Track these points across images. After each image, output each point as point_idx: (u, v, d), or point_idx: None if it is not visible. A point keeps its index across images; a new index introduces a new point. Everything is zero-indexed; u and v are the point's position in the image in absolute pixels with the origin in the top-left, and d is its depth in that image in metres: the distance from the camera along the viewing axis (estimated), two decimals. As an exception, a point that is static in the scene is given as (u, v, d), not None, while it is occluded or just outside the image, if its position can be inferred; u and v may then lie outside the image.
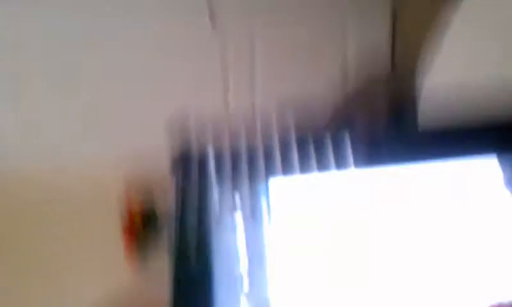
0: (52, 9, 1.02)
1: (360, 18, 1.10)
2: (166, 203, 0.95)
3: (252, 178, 0.47)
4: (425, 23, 0.92)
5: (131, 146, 1.11)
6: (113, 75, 1.13)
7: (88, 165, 1.17)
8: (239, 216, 0.30)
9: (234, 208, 0.29)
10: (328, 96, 1.08)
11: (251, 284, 0.26)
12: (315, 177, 0.32)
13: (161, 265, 0.93)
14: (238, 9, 1.10)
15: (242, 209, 0.30)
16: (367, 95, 1.07)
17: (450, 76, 0.92)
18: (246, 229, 0.27)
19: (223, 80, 1.17)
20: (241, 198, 0.29)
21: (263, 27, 1.12)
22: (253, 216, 0.29)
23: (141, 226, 1.24)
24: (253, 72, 1.16)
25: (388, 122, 1.00)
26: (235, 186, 0.44)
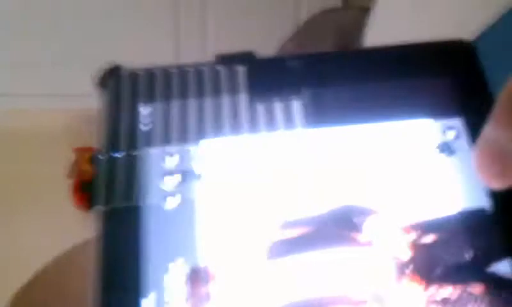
0: None
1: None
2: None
3: (185, 130, 0.42)
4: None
5: (79, 97, 1.05)
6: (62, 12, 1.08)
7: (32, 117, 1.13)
8: (169, 170, 0.26)
9: (164, 162, 0.25)
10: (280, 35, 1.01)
11: (180, 242, 0.23)
12: (250, 138, 0.28)
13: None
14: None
15: (174, 164, 0.26)
16: (316, 33, 0.99)
17: (392, 27, 0.84)
18: (177, 185, 0.24)
19: (175, 28, 1.11)
20: (172, 152, 0.25)
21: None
22: (184, 177, 0.25)
23: (91, 179, 1.20)
24: (205, 18, 1.10)
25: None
26: (167, 144, 0.39)
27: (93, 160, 1.16)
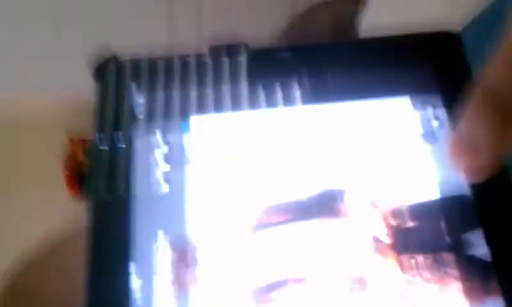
0: None
1: None
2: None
3: (174, 114, 0.42)
4: None
5: (70, 84, 1.05)
6: None
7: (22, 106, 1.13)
8: (159, 153, 0.27)
9: (155, 146, 0.25)
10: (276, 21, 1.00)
11: (169, 222, 0.23)
12: (241, 115, 0.28)
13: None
14: None
15: (164, 147, 0.26)
16: (313, 23, 0.99)
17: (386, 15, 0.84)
18: (166, 168, 0.24)
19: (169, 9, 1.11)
20: (162, 135, 0.25)
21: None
22: (174, 154, 0.26)
23: (84, 166, 1.20)
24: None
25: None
26: (157, 121, 0.40)
27: (86, 151, 1.17)
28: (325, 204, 0.28)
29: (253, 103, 0.31)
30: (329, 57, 0.32)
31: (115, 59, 0.32)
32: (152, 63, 0.32)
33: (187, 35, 1.15)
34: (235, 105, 0.31)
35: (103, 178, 0.29)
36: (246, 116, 0.30)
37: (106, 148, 0.29)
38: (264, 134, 0.30)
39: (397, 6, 0.69)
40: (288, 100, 0.31)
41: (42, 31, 1.21)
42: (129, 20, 1.16)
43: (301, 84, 0.31)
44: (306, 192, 0.28)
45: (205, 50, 0.33)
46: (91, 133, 0.31)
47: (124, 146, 0.30)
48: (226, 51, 0.32)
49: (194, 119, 0.31)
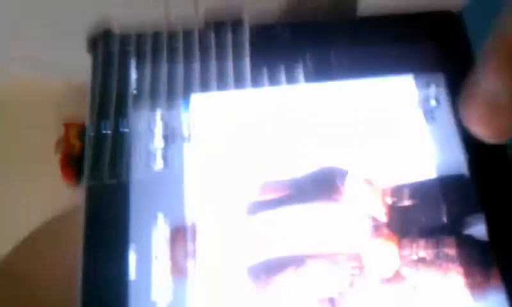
0: None
1: None
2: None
3: (174, 92, 0.41)
4: None
5: (67, 66, 1.03)
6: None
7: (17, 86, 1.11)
8: (158, 133, 0.26)
9: (154, 125, 0.25)
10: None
11: (168, 202, 0.23)
12: (242, 93, 0.28)
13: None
14: None
15: (163, 126, 0.26)
16: None
17: None
18: (166, 147, 0.24)
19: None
20: (162, 114, 0.25)
21: None
22: (173, 133, 0.25)
23: (80, 154, 1.19)
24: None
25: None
26: (157, 100, 0.39)
27: (81, 135, 1.16)
28: (324, 184, 0.28)
29: (255, 82, 0.31)
30: (332, 36, 0.32)
31: (111, 32, 0.32)
32: (152, 37, 0.32)
33: (184, 9, 1.12)
34: (237, 82, 0.31)
35: (101, 162, 0.28)
36: (246, 95, 0.30)
37: (104, 132, 0.29)
38: (264, 112, 0.30)
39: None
40: (290, 79, 0.31)
41: (40, 10, 1.19)
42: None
43: (303, 62, 0.31)
44: (305, 169, 0.28)
45: (203, 24, 0.32)
46: (86, 114, 0.30)
47: (123, 128, 0.30)
48: (229, 27, 0.32)
49: (195, 97, 0.30)
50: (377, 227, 0.27)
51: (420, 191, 0.27)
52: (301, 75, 0.30)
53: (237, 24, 0.32)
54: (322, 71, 0.30)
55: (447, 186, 0.28)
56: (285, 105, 0.30)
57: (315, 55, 0.31)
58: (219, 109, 0.30)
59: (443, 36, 0.32)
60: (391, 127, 0.29)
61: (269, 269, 0.26)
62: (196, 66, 0.31)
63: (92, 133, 0.29)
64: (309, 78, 0.30)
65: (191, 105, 0.30)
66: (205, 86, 0.31)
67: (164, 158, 0.28)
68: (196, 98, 0.30)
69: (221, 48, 0.32)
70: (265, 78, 0.31)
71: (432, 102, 0.30)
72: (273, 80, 0.30)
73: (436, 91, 0.30)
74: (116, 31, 0.32)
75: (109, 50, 0.31)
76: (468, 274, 0.26)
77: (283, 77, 0.30)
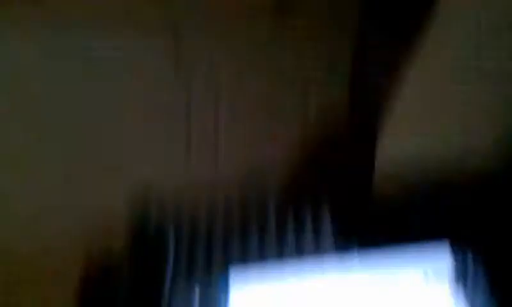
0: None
1: (322, 80, 1.06)
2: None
3: (212, 266, 0.42)
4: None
5: (91, 217, 1.05)
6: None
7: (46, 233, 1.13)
8: None
9: (192, 301, 0.26)
10: (289, 160, 1.02)
11: None
12: (282, 264, 0.29)
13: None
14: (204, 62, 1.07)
15: (201, 302, 0.26)
16: (326, 160, 1.00)
17: (404, 146, 0.86)
18: None
19: (186, 143, 1.14)
20: (200, 289, 0.25)
21: (228, 78, 1.09)
22: None
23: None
24: (217, 133, 1.13)
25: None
26: (194, 275, 0.40)
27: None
28: None
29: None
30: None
31: (155, 202, 0.33)
32: (192, 210, 0.33)
33: (204, 172, 1.17)
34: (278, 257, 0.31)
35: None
36: (287, 283, 0.30)
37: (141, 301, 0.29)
38: (304, 301, 0.30)
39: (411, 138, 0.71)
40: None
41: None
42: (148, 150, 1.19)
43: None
44: None
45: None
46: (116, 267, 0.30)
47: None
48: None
49: (234, 271, 0.30)
50: None
51: None
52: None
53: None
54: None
55: None
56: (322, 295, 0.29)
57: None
58: (256, 282, 0.30)
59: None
60: None
61: None
62: (237, 237, 0.32)
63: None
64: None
65: (230, 278, 0.30)
66: (243, 258, 0.31)
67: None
68: (236, 271, 0.30)
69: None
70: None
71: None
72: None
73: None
74: (159, 196, 0.33)
75: (152, 218, 0.32)
76: None
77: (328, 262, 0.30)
